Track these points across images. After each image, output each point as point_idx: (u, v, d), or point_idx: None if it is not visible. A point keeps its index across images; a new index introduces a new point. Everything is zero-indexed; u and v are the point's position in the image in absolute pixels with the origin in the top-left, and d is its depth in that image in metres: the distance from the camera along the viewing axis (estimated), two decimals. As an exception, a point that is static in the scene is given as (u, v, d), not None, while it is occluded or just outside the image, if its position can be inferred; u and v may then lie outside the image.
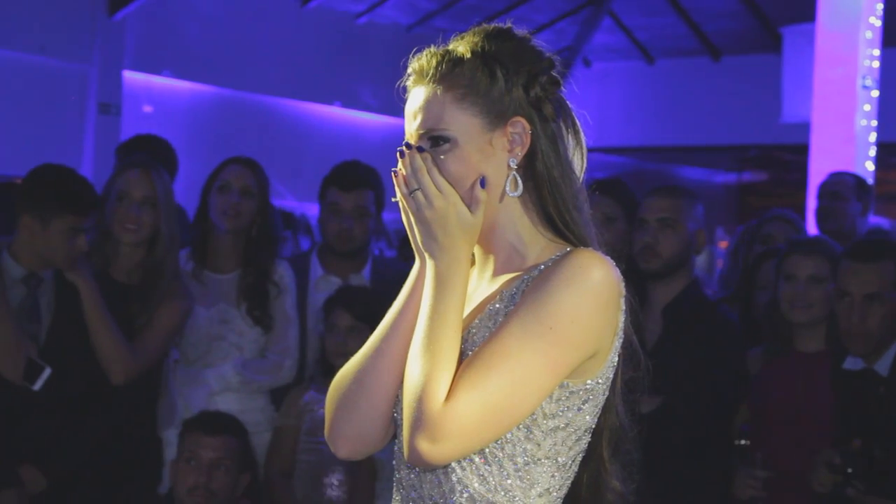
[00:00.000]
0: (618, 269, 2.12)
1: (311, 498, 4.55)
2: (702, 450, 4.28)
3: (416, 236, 2.16)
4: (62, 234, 4.21)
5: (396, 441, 2.24)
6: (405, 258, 6.05)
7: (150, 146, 6.11)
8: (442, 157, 2.15)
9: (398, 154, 2.16)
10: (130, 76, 10.87)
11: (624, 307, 2.13)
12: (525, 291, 2.09)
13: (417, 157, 2.12)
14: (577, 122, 2.27)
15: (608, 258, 2.12)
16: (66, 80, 10.45)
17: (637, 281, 4.45)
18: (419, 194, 2.11)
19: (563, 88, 2.24)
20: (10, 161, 9.25)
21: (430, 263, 2.13)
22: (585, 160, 2.28)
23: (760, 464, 4.23)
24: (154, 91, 11.26)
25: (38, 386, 4.14)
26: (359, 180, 5.05)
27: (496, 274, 2.22)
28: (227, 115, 11.66)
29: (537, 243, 2.20)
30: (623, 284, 2.12)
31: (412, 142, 2.19)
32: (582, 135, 2.27)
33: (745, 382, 4.40)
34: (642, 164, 15.66)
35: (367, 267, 5.13)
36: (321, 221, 5.15)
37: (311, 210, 9.11)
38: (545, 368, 2.04)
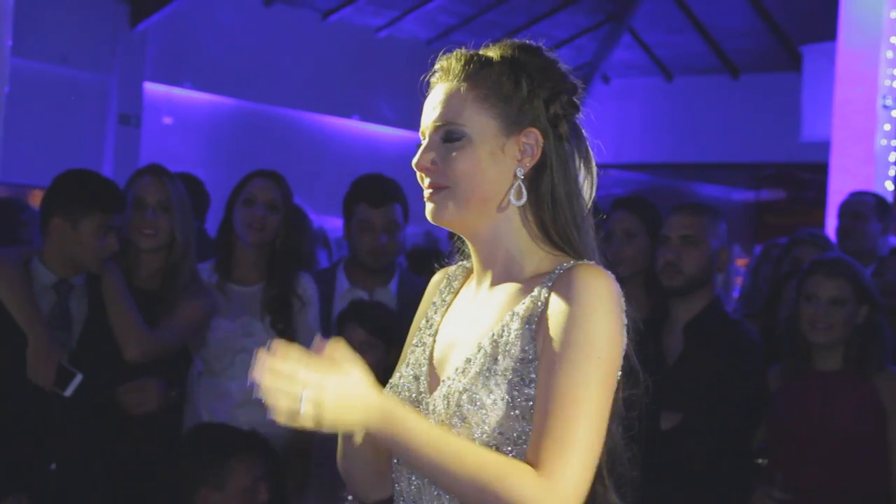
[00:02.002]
0: (616, 282, 2.13)
1: None
2: (721, 467, 4.26)
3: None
4: (92, 233, 4.24)
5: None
6: (417, 272, 6.08)
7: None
8: (454, 153, 2.18)
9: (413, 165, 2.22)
10: (151, 87, 10.91)
11: (626, 321, 2.15)
12: (548, 330, 2.09)
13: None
14: (591, 150, 2.30)
15: (608, 271, 2.14)
16: (88, 91, 10.50)
17: (659, 298, 4.46)
18: (306, 405, 1.98)
19: (580, 115, 2.27)
20: (32, 171, 9.29)
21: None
22: (595, 190, 2.31)
23: (780, 485, 4.22)
24: (174, 102, 11.30)
25: (69, 392, 4.16)
26: (387, 195, 5.04)
27: (494, 283, 2.25)
28: (246, 127, 11.70)
29: (535, 255, 2.22)
30: (623, 299, 2.14)
31: (427, 134, 2.24)
32: (594, 164, 2.30)
33: (766, 401, 4.38)
34: (660, 180, 15.65)
35: (394, 280, 5.14)
36: (350, 238, 5.14)
37: (329, 223, 9.12)
38: (608, 396, 2.08)
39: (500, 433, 2.09)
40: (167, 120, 11.21)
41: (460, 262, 2.41)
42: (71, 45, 10.21)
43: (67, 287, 4.33)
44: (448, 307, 2.36)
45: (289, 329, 4.78)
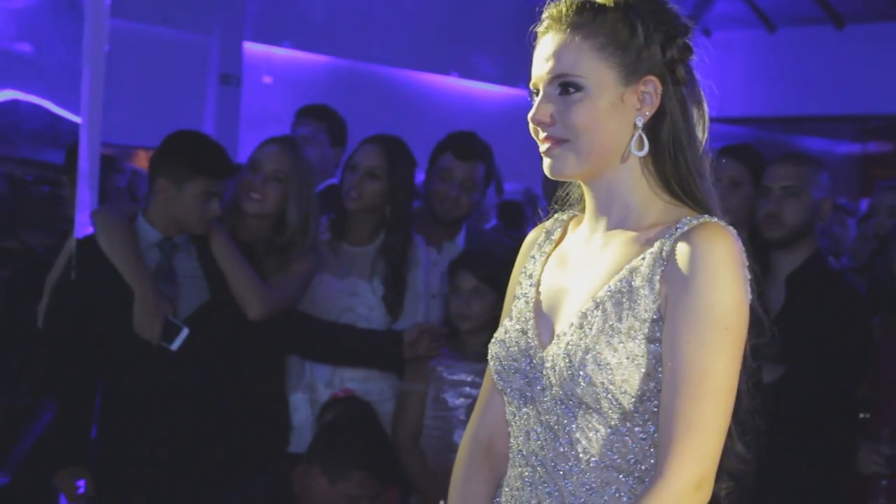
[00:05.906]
0: (739, 238, 2.10)
1: (440, 468, 4.50)
2: (824, 420, 4.21)
3: None
4: (196, 197, 4.30)
5: (508, 410, 2.27)
6: (510, 225, 6.04)
7: (322, 114, 6.12)
8: (573, 105, 2.14)
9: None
10: (250, 47, 10.97)
11: (749, 276, 2.11)
12: (672, 294, 2.07)
13: None
14: (702, 92, 2.26)
15: (730, 228, 2.11)
16: (188, 51, 10.59)
17: (761, 249, 4.39)
18: None
19: (694, 56, 2.22)
20: (134, 132, 9.40)
21: None
22: (707, 132, 2.27)
23: (887, 440, 4.15)
24: (274, 62, 11.35)
25: (175, 346, 4.23)
26: (475, 151, 5.02)
27: (609, 229, 2.22)
28: (345, 85, 11.71)
29: (654, 205, 2.19)
30: (745, 254, 2.11)
31: (540, 86, 2.19)
32: (705, 106, 2.26)
33: (870, 354, 4.32)
34: (763, 134, 15.43)
35: (461, 235, 5.11)
36: (427, 186, 5.11)
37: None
38: (736, 365, 2.07)
39: (624, 392, 2.08)
40: (267, 79, 11.25)
41: (555, 217, 2.39)
42: (171, 6, 10.29)
43: (171, 245, 4.39)
44: (548, 257, 2.33)
45: (392, 293, 4.75)
